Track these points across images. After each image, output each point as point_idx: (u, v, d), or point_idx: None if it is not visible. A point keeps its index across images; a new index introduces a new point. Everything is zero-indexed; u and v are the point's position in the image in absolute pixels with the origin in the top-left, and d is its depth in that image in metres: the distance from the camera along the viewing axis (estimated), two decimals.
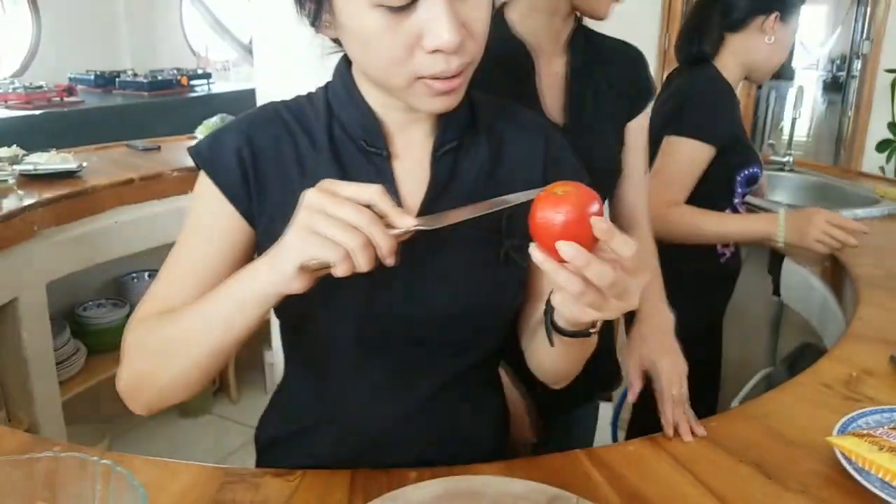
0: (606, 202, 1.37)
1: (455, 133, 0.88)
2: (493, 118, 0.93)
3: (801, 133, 5.06)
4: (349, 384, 0.93)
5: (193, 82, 4.32)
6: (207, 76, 4.53)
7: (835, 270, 1.76)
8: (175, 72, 4.38)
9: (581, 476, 0.90)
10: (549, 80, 1.24)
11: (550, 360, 0.88)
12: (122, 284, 2.80)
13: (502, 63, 1.16)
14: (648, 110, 1.31)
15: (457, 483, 0.84)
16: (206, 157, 0.87)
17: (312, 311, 0.86)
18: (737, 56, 1.77)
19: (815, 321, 1.90)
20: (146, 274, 2.84)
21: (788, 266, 2.06)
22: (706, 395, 1.88)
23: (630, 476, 0.90)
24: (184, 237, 0.88)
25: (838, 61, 4.77)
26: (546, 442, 1.14)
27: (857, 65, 4.43)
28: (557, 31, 1.23)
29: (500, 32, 1.19)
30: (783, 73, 5.15)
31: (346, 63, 0.89)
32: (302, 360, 0.98)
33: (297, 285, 0.71)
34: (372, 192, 0.69)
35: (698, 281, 1.76)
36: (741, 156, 1.78)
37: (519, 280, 0.92)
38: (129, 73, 4.32)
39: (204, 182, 0.87)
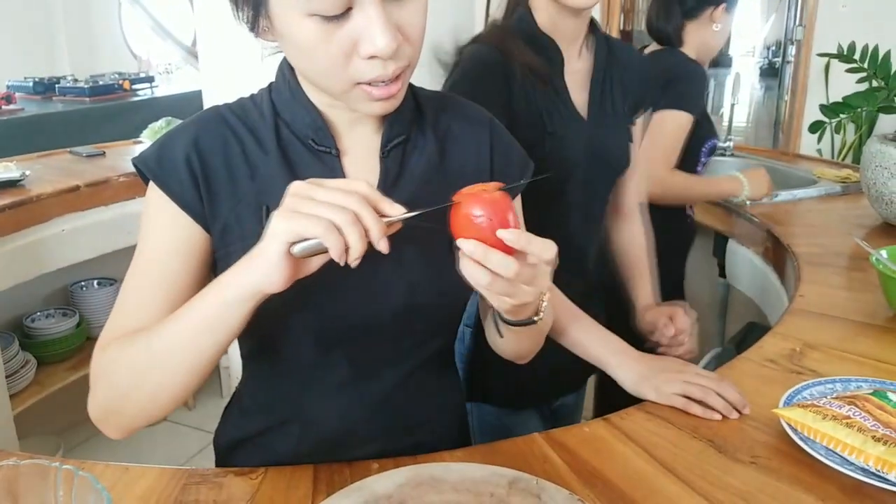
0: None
1: (402, 128, 0.90)
2: (437, 111, 0.95)
3: (741, 119, 5.18)
4: (310, 382, 0.94)
5: (136, 86, 4.24)
6: (150, 80, 4.45)
7: (777, 250, 1.81)
8: (116, 76, 4.29)
9: (540, 458, 0.92)
10: (573, 77, 1.33)
11: (506, 345, 0.92)
12: (70, 294, 2.74)
13: (537, 58, 1.27)
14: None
15: (419, 471, 0.85)
16: (153, 168, 0.85)
17: (271, 310, 0.85)
18: (692, 42, 1.99)
19: (760, 300, 1.96)
20: (95, 282, 2.79)
21: (732, 248, 2.12)
22: None
23: (588, 456, 0.92)
24: (141, 253, 0.87)
25: (773, 48, 4.87)
26: None
27: (792, 50, 4.55)
28: (578, 31, 1.32)
29: (530, 30, 1.29)
30: (721, 61, 5.26)
31: (288, 63, 0.89)
32: (260, 361, 0.97)
33: (281, 277, 0.70)
34: (358, 184, 0.69)
35: (673, 238, 1.90)
36: (706, 128, 2.06)
37: None
38: (69, 78, 4.22)
39: (154, 194, 0.86)
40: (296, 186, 0.70)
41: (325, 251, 0.69)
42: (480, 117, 0.99)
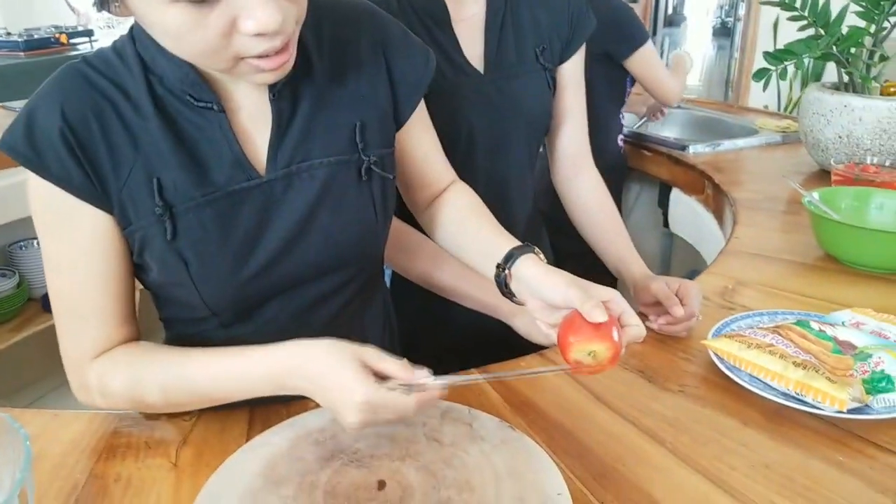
0: (543, 148, 1.35)
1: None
2: (318, 24, 0.84)
3: (694, 78, 5.22)
4: (233, 341, 0.85)
5: (74, 40, 4.10)
6: (89, 34, 4.30)
7: (717, 197, 1.84)
8: (53, 29, 4.14)
9: (476, 392, 0.93)
10: (467, 24, 1.18)
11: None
12: (9, 254, 2.67)
13: (417, 11, 1.14)
14: (583, 48, 1.27)
15: None
16: (25, 153, 0.73)
17: (183, 283, 0.81)
18: None
19: (700, 247, 1.99)
20: (35, 242, 2.72)
21: (676, 197, 2.15)
22: None
23: (521, 388, 0.94)
24: (54, 271, 0.80)
25: (727, 7, 4.92)
26: None
27: (742, 7, 4.61)
28: None
29: None
30: (675, 21, 5.31)
31: None
32: (179, 324, 0.93)
33: None
34: (411, 408, 0.73)
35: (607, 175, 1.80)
36: None
37: (384, 190, 0.90)
38: (2, 32, 4.07)
39: (36, 184, 0.75)
40: (360, 415, 0.72)
41: None
42: (362, 12, 0.90)
